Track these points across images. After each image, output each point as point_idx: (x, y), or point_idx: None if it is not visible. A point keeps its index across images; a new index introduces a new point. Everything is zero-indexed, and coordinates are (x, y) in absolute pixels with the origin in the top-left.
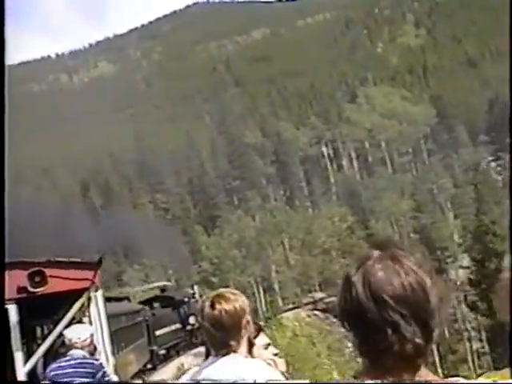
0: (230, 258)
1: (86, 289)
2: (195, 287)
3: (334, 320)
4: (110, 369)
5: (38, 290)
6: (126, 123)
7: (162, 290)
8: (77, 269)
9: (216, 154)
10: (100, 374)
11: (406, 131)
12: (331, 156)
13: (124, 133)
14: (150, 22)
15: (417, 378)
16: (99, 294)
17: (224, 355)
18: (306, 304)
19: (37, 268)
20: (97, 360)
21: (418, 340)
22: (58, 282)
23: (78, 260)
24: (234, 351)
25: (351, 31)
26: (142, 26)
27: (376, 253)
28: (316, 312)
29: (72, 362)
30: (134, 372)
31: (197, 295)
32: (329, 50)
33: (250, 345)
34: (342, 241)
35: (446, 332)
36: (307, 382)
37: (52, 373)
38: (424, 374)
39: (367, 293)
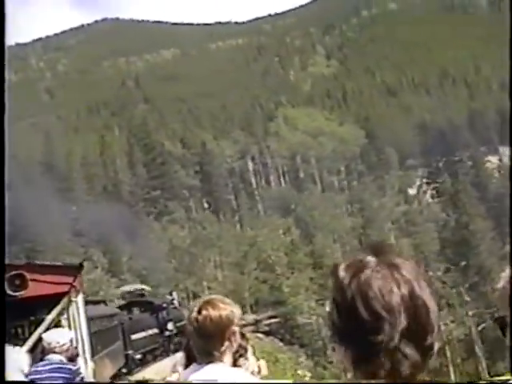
0: (160, 270)
1: (67, 293)
2: (174, 293)
3: (281, 344)
4: (88, 373)
5: (17, 293)
6: (26, 132)
7: (141, 294)
8: (57, 272)
9: (133, 162)
10: (77, 379)
11: (335, 150)
12: (259, 170)
13: (26, 140)
14: (56, 34)
15: None
16: (80, 298)
17: (206, 363)
18: (245, 325)
19: (17, 271)
20: (74, 365)
21: (416, 359)
22: (38, 286)
23: (59, 264)
24: (217, 360)
25: (263, 57)
26: (47, 36)
27: (372, 260)
28: (259, 335)
29: (48, 366)
30: (110, 376)
31: (175, 301)
32: (241, 74)
33: (236, 357)
34: (288, 255)
35: None
36: (307, 382)
37: (29, 376)
38: None
39: (363, 304)
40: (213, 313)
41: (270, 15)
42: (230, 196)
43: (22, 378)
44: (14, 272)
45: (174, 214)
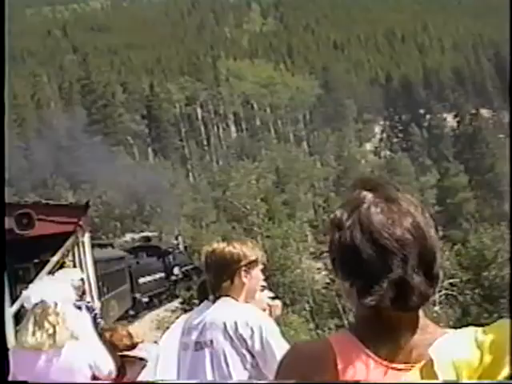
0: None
1: (73, 232)
2: (179, 238)
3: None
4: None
5: (24, 232)
6: None
7: (147, 239)
8: (64, 212)
9: (70, 105)
10: (91, 315)
11: (293, 99)
12: (211, 118)
13: None
14: None
15: (427, 336)
16: (86, 238)
17: (215, 299)
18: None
19: (24, 210)
20: (88, 302)
21: (423, 287)
22: (44, 225)
23: (65, 203)
24: (227, 296)
25: (198, 12)
26: None
27: (369, 195)
28: None
29: None
30: (116, 318)
31: (181, 246)
32: (175, 28)
33: (248, 295)
34: (267, 203)
35: None
36: (307, 381)
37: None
38: (432, 329)
39: (365, 238)
40: (220, 248)
41: None
42: (182, 143)
43: (71, 307)
44: (21, 211)
45: (120, 160)
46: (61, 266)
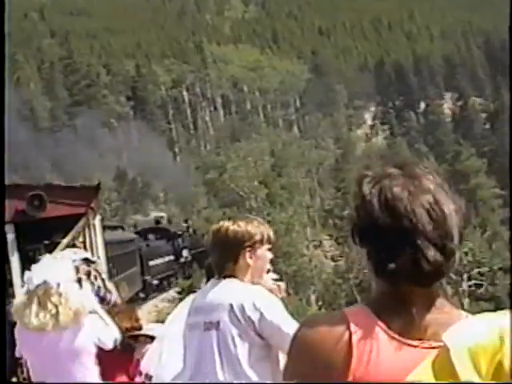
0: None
1: (84, 214)
2: (189, 221)
3: None
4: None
5: (36, 213)
6: None
7: (157, 221)
8: (75, 193)
9: (52, 84)
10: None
11: (283, 82)
12: (199, 101)
13: None
14: None
15: (443, 315)
16: (97, 220)
17: (220, 278)
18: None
19: (36, 192)
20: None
21: (438, 262)
22: (55, 207)
23: (76, 185)
24: (232, 275)
25: None
26: None
27: (395, 171)
28: None
29: None
30: (126, 300)
31: (191, 229)
32: (155, 14)
33: (254, 276)
34: (268, 186)
35: None
36: (309, 381)
37: None
38: (448, 309)
39: (383, 208)
40: (225, 227)
41: None
42: (169, 125)
43: (73, 286)
44: (32, 192)
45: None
46: (72, 247)
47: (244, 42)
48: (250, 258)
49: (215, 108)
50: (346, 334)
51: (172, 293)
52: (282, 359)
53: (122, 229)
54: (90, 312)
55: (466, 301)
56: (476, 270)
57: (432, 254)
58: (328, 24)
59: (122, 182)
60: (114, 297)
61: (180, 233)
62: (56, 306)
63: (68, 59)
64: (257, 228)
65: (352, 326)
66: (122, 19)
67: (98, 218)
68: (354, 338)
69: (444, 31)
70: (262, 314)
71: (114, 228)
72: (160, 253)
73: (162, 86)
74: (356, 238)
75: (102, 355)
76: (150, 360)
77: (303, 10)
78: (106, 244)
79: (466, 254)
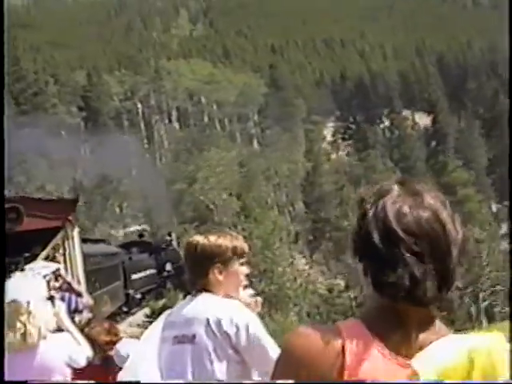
0: None
1: (62, 227)
2: (173, 234)
3: None
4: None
5: (13, 227)
6: None
7: (140, 235)
8: (53, 206)
9: None
10: (69, 306)
11: (242, 95)
12: (154, 112)
13: None
14: None
15: (438, 337)
16: (75, 232)
17: (195, 294)
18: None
19: (12, 205)
20: (64, 293)
21: (429, 282)
22: (33, 220)
23: (54, 198)
24: (207, 290)
25: (125, 14)
26: None
27: (396, 187)
28: None
29: None
30: (108, 314)
31: (174, 242)
32: (101, 28)
33: (228, 291)
34: (240, 199)
35: None
36: (314, 382)
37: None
38: (444, 331)
39: (380, 225)
40: (194, 243)
41: None
42: (123, 137)
43: (47, 305)
44: (8, 205)
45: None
46: (52, 259)
47: (194, 57)
48: (220, 273)
49: (170, 120)
50: (340, 346)
51: (141, 316)
52: (257, 376)
53: (105, 242)
54: (61, 330)
55: (486, 303)
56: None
57: (427, 275)
58: (280, 42)
59: (76, 193)
60: (84, 299)
61: (163, 246)
62: (24, 325)
63: (15, 66)
64: (229, 242)
65: (346, 339)
66: (67, 33)
67: (76, 230)
68: (348, 351)
69: (397, 49)
70: (238, 328)
71: (97, 241)
72: (142, 266)
73: (114, 96)
74: (354, 252)
75: (81, 370)
76: (126, 373)
77: (253, 28)
78: (89, 257)
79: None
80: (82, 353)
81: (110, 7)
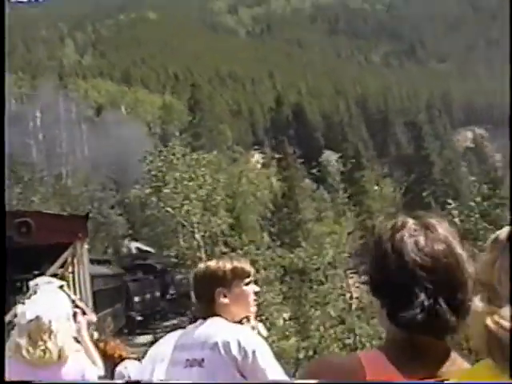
0: None
1: (72, 243)
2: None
3: None
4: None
5: (23, 240)
6: None
7: (144, 258)
8: (64, 222)
9: None
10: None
11: (161, 118)
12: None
13: None
14: None
15: (455, 368)
16: (84, 249)
17: (205, 318)
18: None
19: (23, 219)
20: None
21: (445, 314)
22: (43, 235)
23: (65, 213)
24: (216, 315)
25: (8, 38)
26: None
27: (410, 221)
28: None
29: None
30: (111, 335)
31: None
32: None
33: (239, 312)
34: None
35: None
36: (315, 381)
37: None
38: (460, 362)
39: (397, 261)
40: (199, 270)
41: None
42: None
43: (63, 321)
44: (19, 219)
45: None
46: (61, 278)
47: (96, 77)
48: (225, 296)
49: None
50: (360, 378)
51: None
52: None
53: (109, 263)
54: (78, 350)
55: None
56: None
57: (443, 307)
58: (185, 72)
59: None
60: (88, 317)
61: (168, 269)
62: (45, 342)
63: None
64: (228, 265)
65: (366, 370)
66: None
67: (86, 247)
68: (368, 381)
69: (312, 88)
70: (246, 352)
71: (102, 262)
72: (146, 289)
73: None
74: (371, 288)
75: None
76: None
77: (147, 63)
78: (93, 278)
79: None
80: (96, 372)
81: None
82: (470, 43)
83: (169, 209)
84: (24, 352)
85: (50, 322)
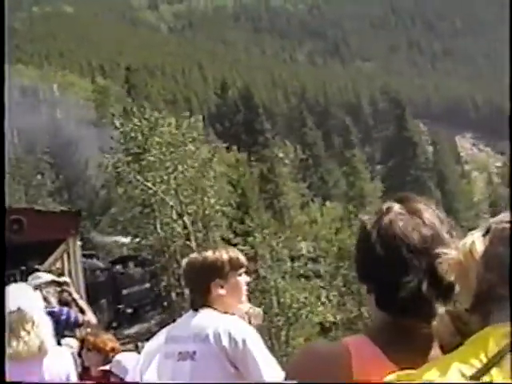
0: None
1: (64, 240)
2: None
3: None
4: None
5: (15, 237)
6: None
7: (134, 249)
8: (56, 218)
9: None
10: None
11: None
12: None
13: None
14: None
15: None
16: (77, 246)
17: (197, 310)
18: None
19: (15, 216)
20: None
21: (432, 300)
22: (35, 231)
23: (57, 210)
24: (208, 306)
25: None
26: None
27: (396, 206)
28: None
29: None
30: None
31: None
32: None
33: (232, 304)
34: None
35: None
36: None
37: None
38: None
39: (383, 245)
40: (192, 260)
41: None
42: None
43: (43, 315)
44: (12, 217)
45: None
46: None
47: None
48: (222, 288)
49: None
50: (347, 364)
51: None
52: None
53: (97, 258)
54: (62, 344)
55: None
56: None
57: (429, 290)
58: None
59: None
60: (87, 317)
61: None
62: (28, 333)
63: None
64: (225, 256)
65: (353, 356)
66: None
67: (78, 244)
68: (355, 369)
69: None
70: (236, 342)
71: (89, 256)
72: (136, 281)
73: None
74: (358, 273)
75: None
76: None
77: (74, 51)
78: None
79: None
80: (75, 373)
81: None
82: (392, 43)
83: (149, 184)
84: (6, 347)
85: (31, 312)
